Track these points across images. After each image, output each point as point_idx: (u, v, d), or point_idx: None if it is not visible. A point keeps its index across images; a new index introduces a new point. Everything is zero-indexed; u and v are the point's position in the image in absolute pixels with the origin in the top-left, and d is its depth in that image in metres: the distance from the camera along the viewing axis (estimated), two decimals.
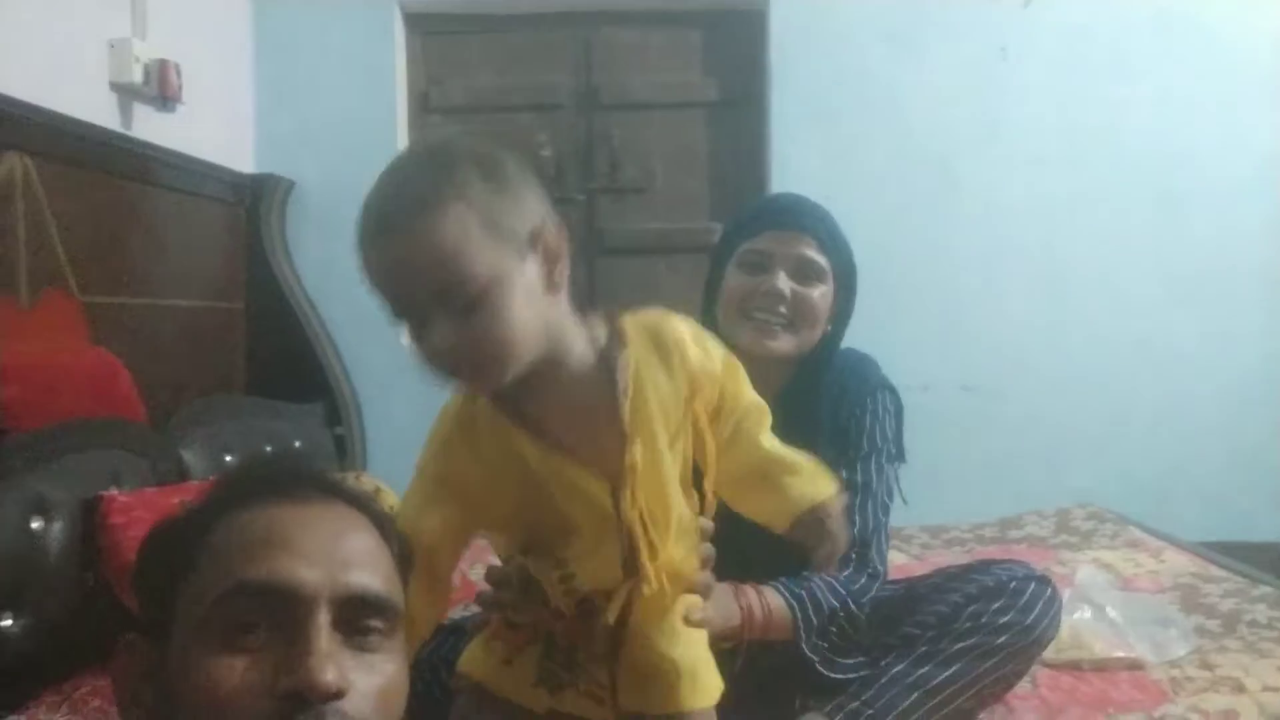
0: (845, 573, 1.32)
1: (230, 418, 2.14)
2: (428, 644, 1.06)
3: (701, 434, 0.96)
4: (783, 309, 1.32)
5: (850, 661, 1.31)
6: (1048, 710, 1.41)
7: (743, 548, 1.26)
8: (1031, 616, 1.30)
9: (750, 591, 1.24)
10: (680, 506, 0.96)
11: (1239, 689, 1.44)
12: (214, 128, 2.50)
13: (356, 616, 0.65)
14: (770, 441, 1.04)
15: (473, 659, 1.01)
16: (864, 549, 1.34)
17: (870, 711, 1.25)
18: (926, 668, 1.28)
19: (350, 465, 2.58)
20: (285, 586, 0.63)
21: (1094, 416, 2.81)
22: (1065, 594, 1.49)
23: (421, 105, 2.90)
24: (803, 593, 1.27)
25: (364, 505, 0.71)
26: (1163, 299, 2.83)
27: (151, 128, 2.22)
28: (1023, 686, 1.46)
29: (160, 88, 2.17)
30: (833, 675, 1.28)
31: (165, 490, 1.64)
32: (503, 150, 0.85)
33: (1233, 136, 2.82)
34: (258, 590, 0.62)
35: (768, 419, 1.05)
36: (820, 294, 1.34)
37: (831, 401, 1.39)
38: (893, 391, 1.42)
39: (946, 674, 1.27)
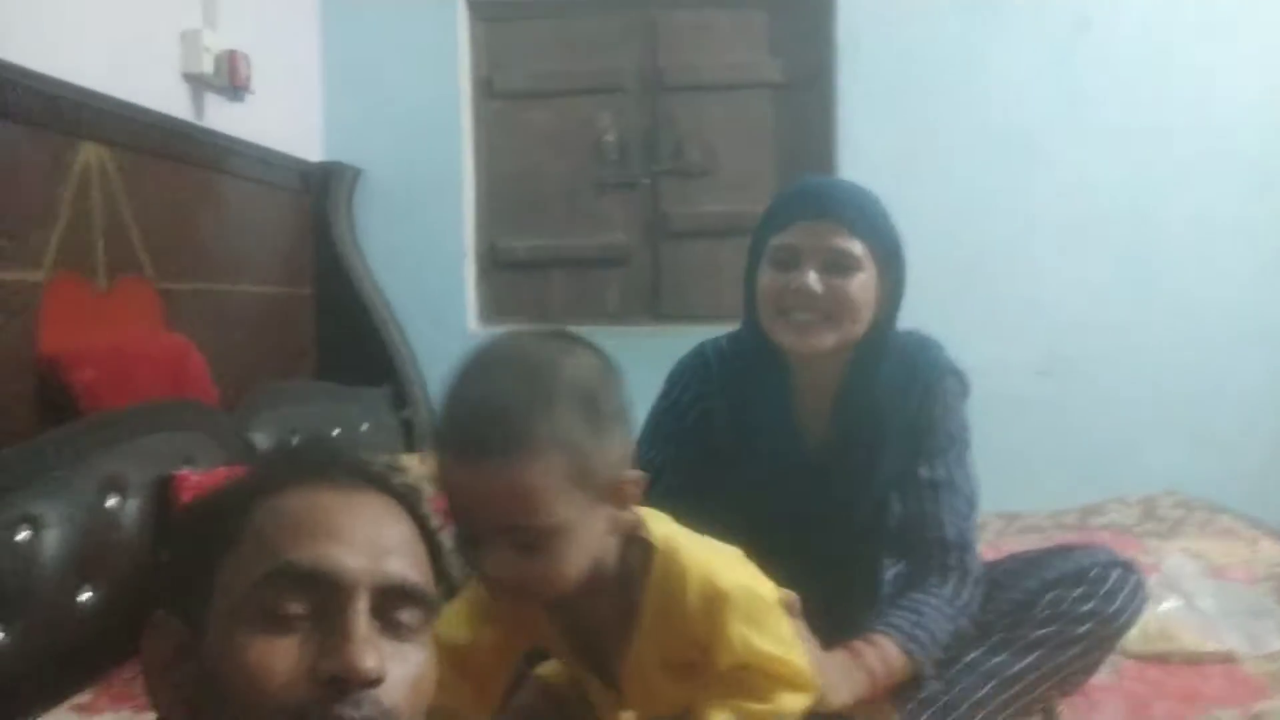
0: (948, 587, 1.25)
1: (298, 401, 2.17)
2: None
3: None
4: (818, 306, 1.22)
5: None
6: (1133, 704, 1.35)
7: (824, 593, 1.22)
8: (1114, 605, 1.23)
9: (867, 651, 1.16)
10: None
11: None
12: (282, 117, 2.54)
13: (393, 605, 0.65)
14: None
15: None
16: (961, 554, 1.27)
17: (945, 698, 1.20)
18: (1002, 656, 1.22)
19: (417, 447, 2.60)
20: (330, 572, 0.63)
21: (1183, 398, 2.68)
22: (1151, 582, 1.41)
23: (485, 90, 2.90)
24: (920, 634, 1.19)
25: (401, 495, 0.71)
26: (1258, 272, 2.68)
27: (222, 117, 2.26)
28: (1105, 678, 1.39)
29: (230, 77, 2.20)
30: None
31: (235, 471, 1.66)
32: (610, 377, 0.86)
33: None
34: (302, 574, 0.62)
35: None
36: (859, 284, 1.23)
37: (895, 393, 1.30)
38: (959, 375, 1.33)
39: (1023, 663, 1.22)
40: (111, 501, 1.48)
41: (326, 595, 0.62)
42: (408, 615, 0.66)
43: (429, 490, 1.98)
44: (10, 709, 1.25)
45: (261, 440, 1.91)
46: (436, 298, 2.82)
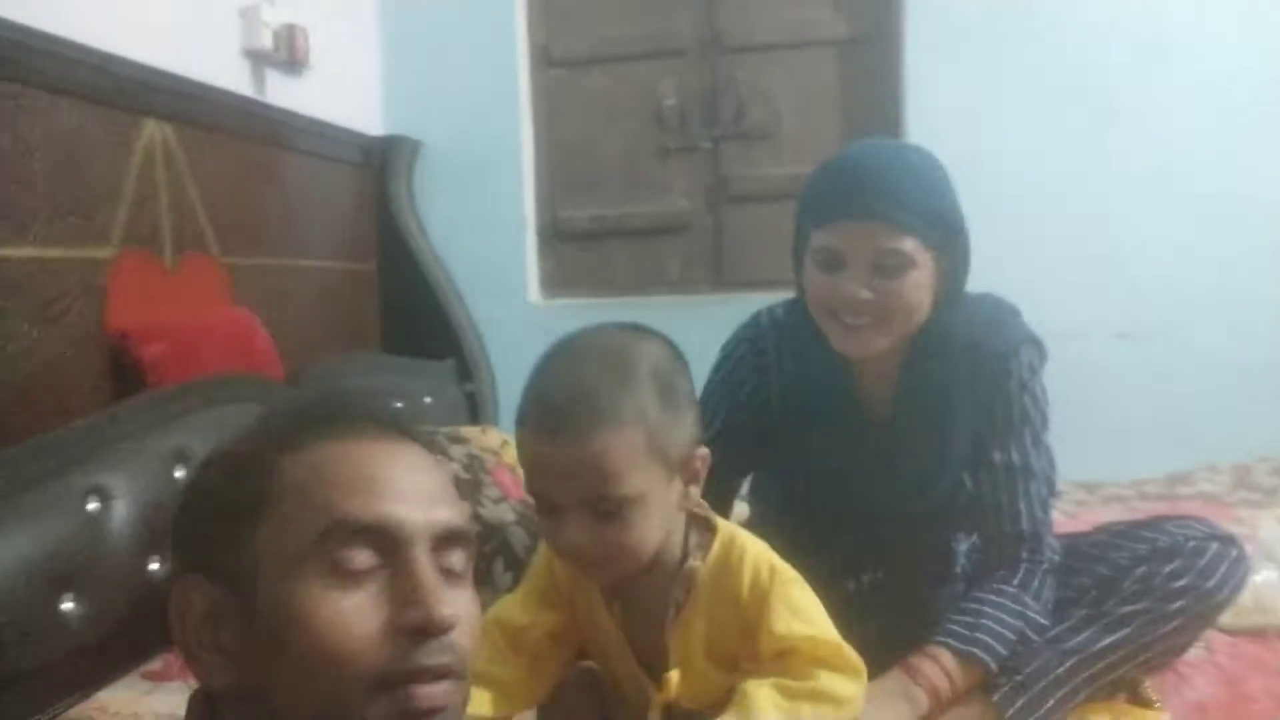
0: (1016, 579, 1.19)
1: (361, 373, 2.18)
2: None
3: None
4: (867, 311, 1.15)
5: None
6: (1226, 679, 1.28)
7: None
8: (1213, 580, 1.16)
9: (926, 667, 1.12)
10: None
11: None
12: (342, 90, 2.54)
13: (444, 550, 0.66)
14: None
15: None
16: (1035, 542, 1.21)
17: (1019, 678, 1.14)
18: (1086, 633, 1.16)
19: (482, 420, 2.61)
20: (392, 523, 0.63)
21: (1276, 359, 2.54)
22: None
23: (543, 59, 2.87)
24: (980, 636, 1.14)
25: (425, 441, 0.72)
26: None
27: (282, 92, 2.27)
28: (1196, 653, 1.32)
29: (289, 52, 2.21)
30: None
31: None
32: (681, 364, 0.93)
33: None
34: (363, 528, 0.62)
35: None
36: (911, 283, 1.13)
37: (964, 368, 1.21)
38: (1036, 343, 1.24)
39: (1108, 640, 1.15)
40: (179, 473, 1.50)
41: (390, 547, 0.63)
42: (456, 558, 0.67)
43: (491, 461, 1.96)
44: (82, 677, 1.27)
45: None
46: (497, 270, 2.81)
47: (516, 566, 1.61)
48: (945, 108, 2.55)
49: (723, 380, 1.34)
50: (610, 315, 2.89)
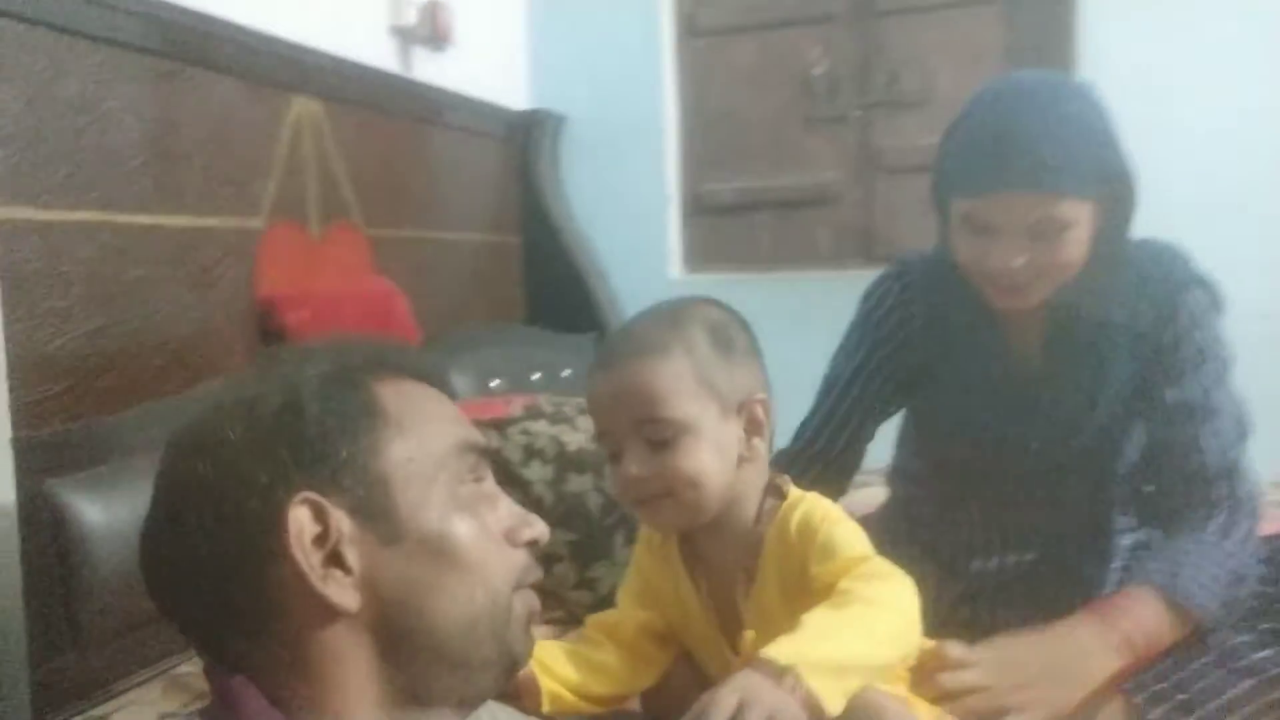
0: (1214, 523, 1.08)
1: (497, 344, 2.20)
2: None
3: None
4: (1023, 274, 1.07)
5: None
6: None
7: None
8: None
9: (1119, 610, 1.02)
10: None
11: None
12: (486, 65, 2.57)
13: None
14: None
15: None
16: (1229, 482, 1.10)
17: (1183, 696, 0.99)
18: (1269, 651, 1.01)
19: None
20: (490, 449, 0.72)
21: None
22: None
23: (688, 28, 2.82)
24: (1183, 583, 1.02)
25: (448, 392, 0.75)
26: None
27: (428, 68, 2.32)
28: None
29: (432, 28, 2.25)
30: None
31: None
32: (740, 324, 0.94)
33: None
34: (479, 449, 0.69)
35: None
36: (1069, 241, 1.06)
37: (1124, 309, 1.12)
38: (1208, 286, 1.14)
39: None
40: None
41: (488, 473, 0.70)
42: None
43: None
44: None
45: (459, 381, 1.96)
46: (640, 244, 2.79)
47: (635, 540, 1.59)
48: (1124, 66, 2.32)
49: (865, 316, 1.31)
50: (754, 290, 2.86)
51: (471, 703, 0.68)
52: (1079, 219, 1.05)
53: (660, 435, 0.86)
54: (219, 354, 1.64)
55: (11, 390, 1.25)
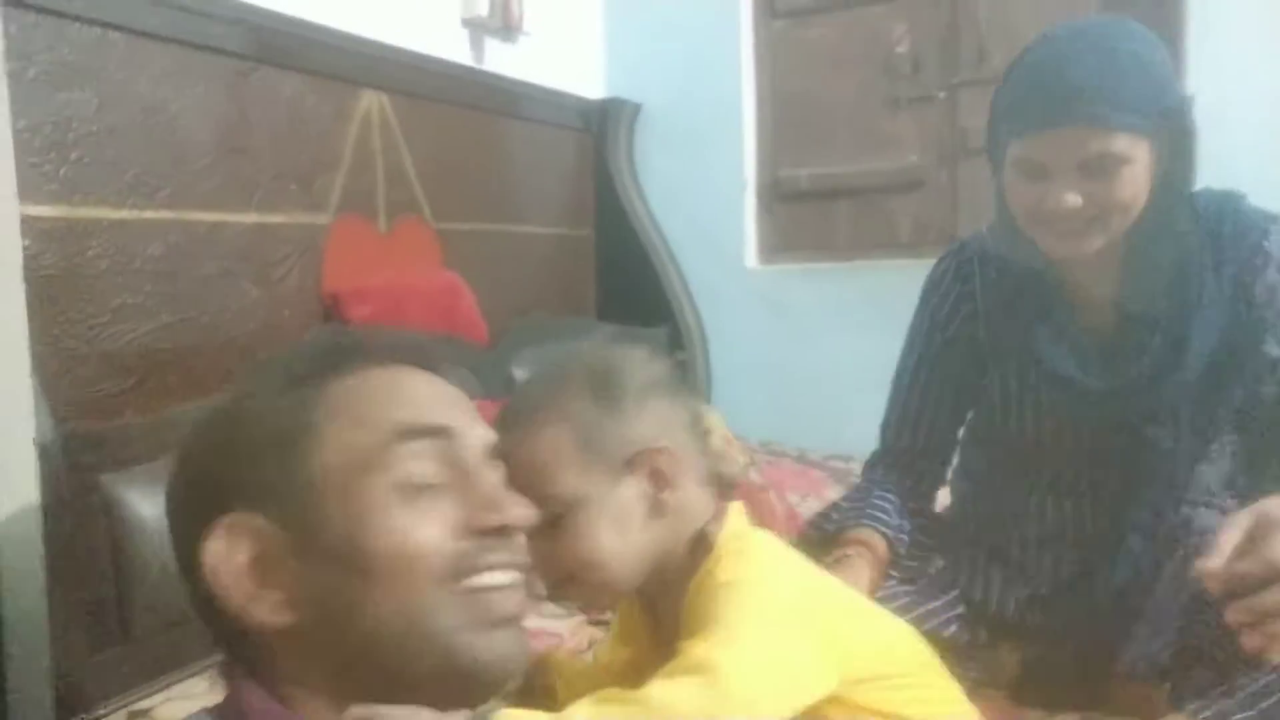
0: None
1: (564, 337, 2.18)
2: None
3: None
4: (1080, 216, 1.06)
5: None
6: None
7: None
8: None
9: None
10: None
11: None
12: (559, 55, 2.55)
13: (494, 466, 0.68)
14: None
15: None
16: None
17: None
18: None
19: (692, 390, 2.56)
20: (456, 430, 0.65)
21: None
22: None
23: (767, 9, 2.74)
24: None
25: (445, 374, 0.71)
26: None
27: (500, 59, 2.31)
28: None
29: (504, 18, 2.24)
30: None
31: (493, 404, 1.70)
32: (634, 365, 0.85)
33: None
34: (427, 434, 0.63)
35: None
36: (1126, 179, 1.03)
37: (1205, 257, 1.09)
38: (1277, 221, 1.10)
39: None
40: None
41: (455, 457, 0.64)
42: (503, 476, 0.69)
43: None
44: None
45: (521, 375, 1.95)
46: (716, 234, 2.73)
47: None
48: (1239, 19, 2.14)
49: (924, 303, 1.30)
50: (832, 280, 2.77)
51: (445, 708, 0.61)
52: (1134, 156, 1.03)
53: (551, 512, 0.77)
54: (284, 349, 1.66)
55: (76, 386, 1.29)
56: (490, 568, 0.62)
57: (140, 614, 1.14)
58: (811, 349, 2.62)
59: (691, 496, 0.83)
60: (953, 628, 1.18)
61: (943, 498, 1.41)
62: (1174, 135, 1.05)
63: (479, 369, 1.83)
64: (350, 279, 1.77)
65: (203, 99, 1.55)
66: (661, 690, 0.68)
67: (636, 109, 2.74)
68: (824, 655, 0.76)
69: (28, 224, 1.21)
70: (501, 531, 0.63)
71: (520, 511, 0.64)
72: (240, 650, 0.64)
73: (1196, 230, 1.10)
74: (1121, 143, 1.02)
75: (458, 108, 2.14)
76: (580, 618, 1.35)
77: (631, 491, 0.81)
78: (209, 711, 0.66)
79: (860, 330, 2.51)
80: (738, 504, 0.88)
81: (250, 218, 1.63)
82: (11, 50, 1.20)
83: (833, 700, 0.77)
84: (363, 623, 0.60)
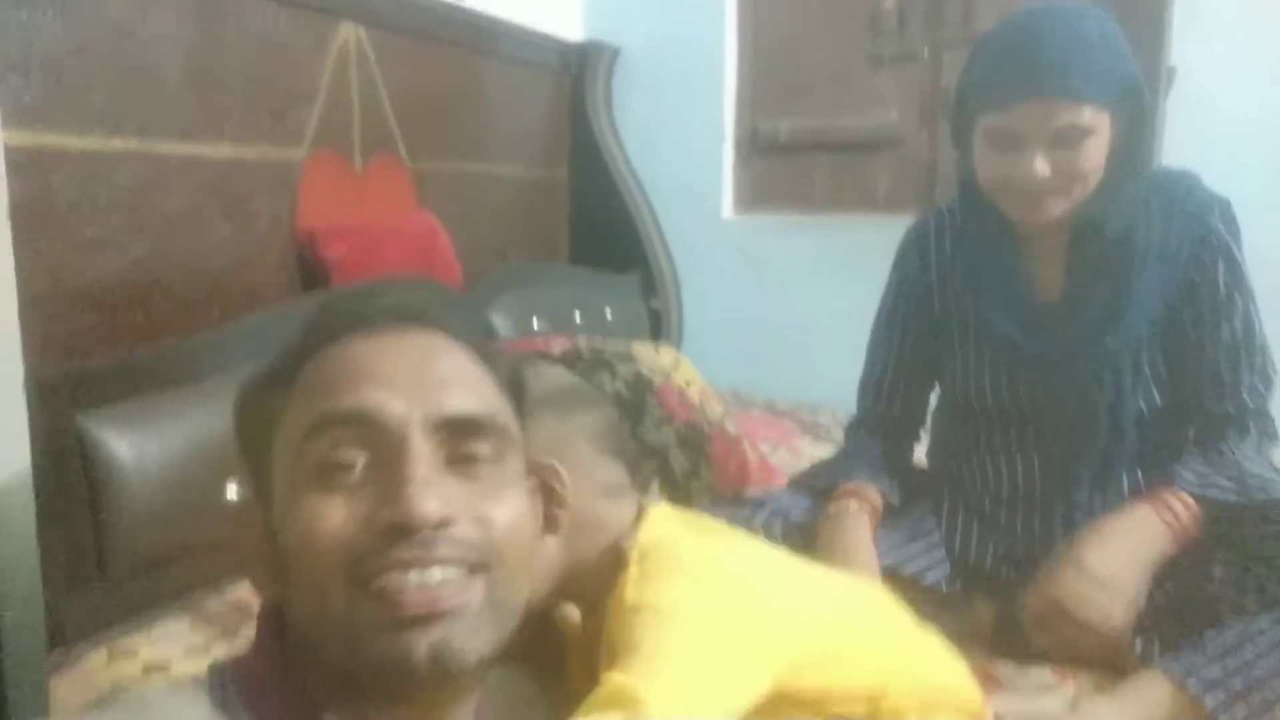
0: (1247, 443, 1.17)
1: (540, 283, 2.17)
2: None
3: None
4: (1047, 185, 1.14)
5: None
6: None
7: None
8: None
9: (1171, 502, 1.13)
10: None
11: None
12: None
13: (457, 441, 0.61)
14: None
15: None
16: (1261, 418, 1.19)
17: (1238, 683, 0.97)
18: None
19: (664, 337, 2.56)
20: (370, 413, 0.59)
21: None
22: None
23: None
24: (1216, 480, 1.14)
25: (456, 330, 0.66)
26: None
27: None
28: None
29: None
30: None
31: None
32: (532, 379, 0.76)
33: None
34: (342, 421, 0.59)
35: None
36: (1090, 149, 1.12)
37: (1154, 232, 1.17)
38: (1226, 205, 1.20)
39: None
40: None
41: (377, 441, 0.59)
42: (480, 448, 0.61)
43: (659, 381, 1.91)
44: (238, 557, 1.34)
45: (499, 320, 1.93)
46: (692, 183, 2.72)
47: (675, 489, 1.58)
48: (1220, 25, 2.15)
49: (893, 269, 1.39)
50: (808, 234, 2.76)
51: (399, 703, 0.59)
52: (1098, 128, 1.11)
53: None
54: (258, 287, 1.63)
55: (43, 322, 1.25)
56: (391, 568, 0.57)
57: (119, 554, 1.12)
58: (784, 301, 2.63)
59: (596, 512, 0.81)
60: (934, 576, 1.23)
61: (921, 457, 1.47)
62: (1133, 111, 1.13)
63: (455, 314, 1.81)
64: (325, 217, 1.74)
65: (174, 24, 1.49)
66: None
67: (615, 53, 2.69)
68: (752, 661, 0.74)
69: None
70: (404, 529, 0.56)
71: (426, 509, 0.56)
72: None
73: (1148, 205, 1.18)
74: (1088, 115, 1.09)
75: (436, 43, 2.08)
76: None
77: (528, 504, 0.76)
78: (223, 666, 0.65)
79: (833, 284, 2.53)
80: (662, 509, 0.86)
81: (222, 150, 1.58)
82: None
83: (781, 698, 0.76)
84: (296, 610, 0.60)
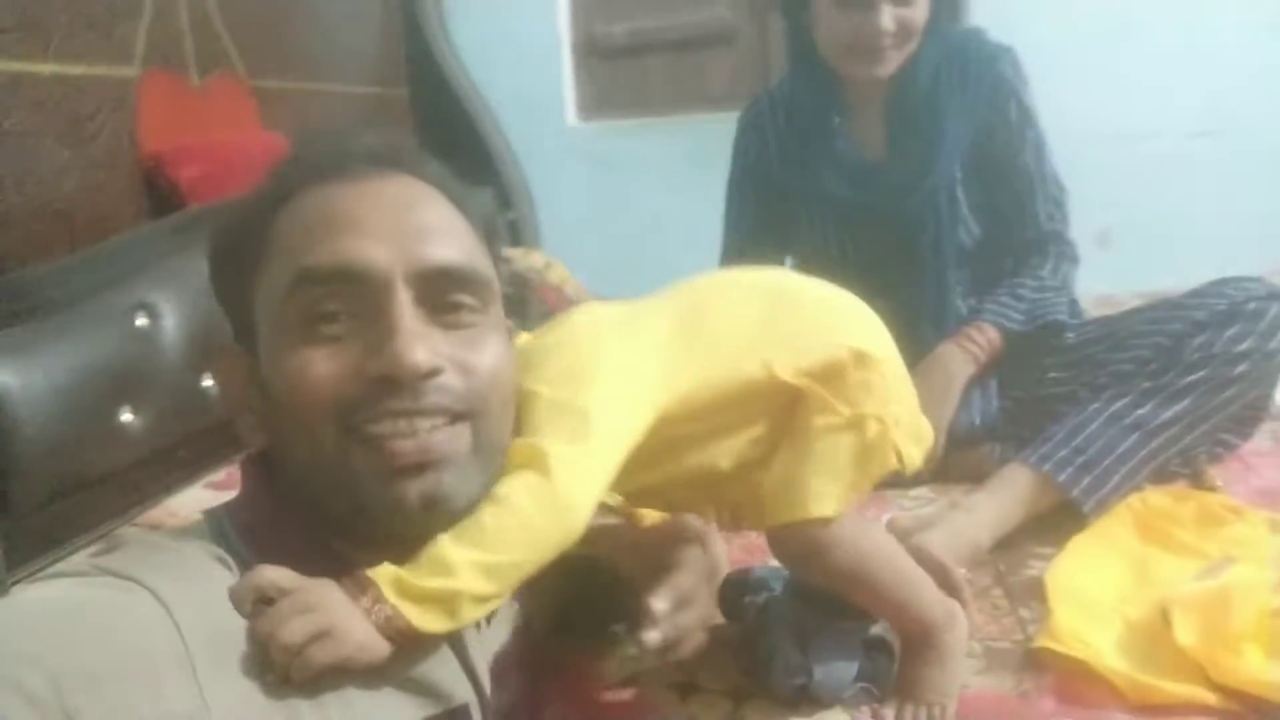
0: (1046, 267, 1.33)
1: None
2: None
3: None
4: (891, 39, 1.27)
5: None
6: None
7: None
8: (1275, 341, 1.13)
9: (970, 345, 1.28)
10: None
11: None
12: None
13: (441, 292, 0.60)
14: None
15: None
16: (1058, 240, 1.34)
17: (1082, 458, 1.12)
18: (1148, 406, 1.14)
19: (524, 247, 2.57)
20: (354, 267, 0.58)
21: None
22: None
23: None
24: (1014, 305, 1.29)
25: (437, 179, 0.65)
26: None
27: None
28: (1264, 444, 1.29)
29: None
30: None
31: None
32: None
33: None
34: (326, 276, 0.58)
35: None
36: (921, 3, 1.27)
37: (955, 79, 1.32)
38: (1011, 52, 1.35)
39: (1172, 411, 1.13)
40: None
41: (360, 293, 0.58)
42: (463, 298, 0.61)
43: (536, 279, 1.94)
44: (147, 486, 1.31)
45: None
46: (534, 93, 2.71)
47: None
48: None
49: (733, 156, 1.49)
50: (650, 136, 2.80)
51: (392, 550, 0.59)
52: None
53: None
54: (106, 212, 1.54)
55: None
56: (382, 417, 0.57)
57: (19, 488, 1.07)
58: (635, 203, 2.68)
59: None
60: None
61: None
62: None
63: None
64: (168, 138, 1.65)
65: None
66: (507, 488, 0.63)
67: None
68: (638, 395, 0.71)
69: None
70: (393, 380, 0.57)
71: (416, 359, 0.57)
72: None
73: (949, 60, 1.32)
74: None
75: None
76: None
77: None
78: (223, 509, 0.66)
79: (680, 183, 2.59)
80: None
81: (49, 67, 1.46)
82: None
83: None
84: (290, 456, 0.61)
